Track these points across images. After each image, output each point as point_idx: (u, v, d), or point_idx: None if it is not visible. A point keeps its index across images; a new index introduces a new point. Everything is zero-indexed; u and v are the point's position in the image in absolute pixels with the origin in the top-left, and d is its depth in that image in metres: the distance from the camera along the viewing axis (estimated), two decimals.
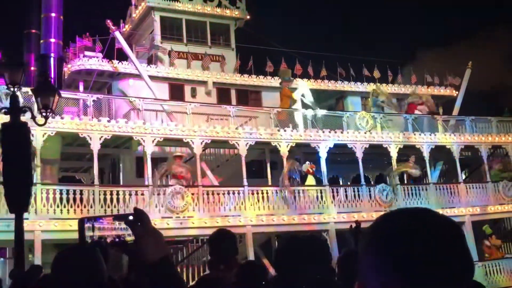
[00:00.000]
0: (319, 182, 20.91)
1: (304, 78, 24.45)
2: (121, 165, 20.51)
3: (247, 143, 19.30)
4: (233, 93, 23.05)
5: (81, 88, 20.75)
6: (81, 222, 1.89)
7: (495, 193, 23.54)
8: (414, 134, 22.60)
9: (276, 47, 23.75)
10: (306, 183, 20.30)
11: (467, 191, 23.03)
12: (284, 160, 19.65)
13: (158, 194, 17.22)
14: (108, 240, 1.91)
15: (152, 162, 18.69)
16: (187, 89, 22.04)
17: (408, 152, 22.59)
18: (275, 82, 23.53)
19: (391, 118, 24.15)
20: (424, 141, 22.68)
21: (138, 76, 20.91)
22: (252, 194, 19.02)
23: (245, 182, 18.71)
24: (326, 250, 2.93)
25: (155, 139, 17.79)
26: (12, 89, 9.64)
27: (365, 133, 21.56)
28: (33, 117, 10.07)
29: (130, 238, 1.84)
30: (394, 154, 21.88)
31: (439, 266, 1.07)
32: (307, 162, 20.59)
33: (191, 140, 18.31)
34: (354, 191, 20.73)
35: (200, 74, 21.97)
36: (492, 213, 22.99)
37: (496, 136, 24.41)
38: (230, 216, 18.16)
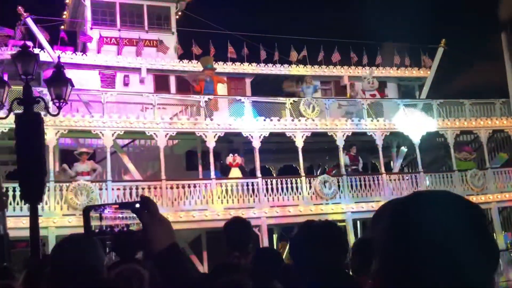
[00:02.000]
0: (252, 173, 19.43)
1: (254, 62, 22.84)
2: None
3: (167, 134, 17.97)
4: (172, 80, 21.66)
5: (5, 78, 19.77)
6: (86, 210, 1.82)
7: (462, 184, 21.45)
8: (365, 121, 20.73)
9: (221, 31, 22.19)
10: (231, 176, 18.78)
11: (428, 181, 21.05)
12: (211, 152, 18.27)
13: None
14: (116, 229, 1.83)
15: (62, 154, 17.74)
16: (120, 77, 20.80)
17: (353, 141, 20.81)
18: (220, 67, 22.02)
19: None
20: (377, 128, 20.78)
21: (71, 65, 19.82)
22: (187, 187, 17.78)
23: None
24: (342, 236, 2.87)
25: (58, 131, 16.69)
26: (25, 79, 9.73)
27: (306, 120, 19.83)
28: (46, 108, 10.20)
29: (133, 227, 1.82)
30: (340, 142, 20.10)
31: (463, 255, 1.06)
32: (230, 154, 19.08)
33: (100, 132, 17.13)
34: (291, 183, 19.11)
35: (132, 61, 20.67)
36: None
37: (465, 120, 22.23)
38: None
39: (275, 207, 18.54)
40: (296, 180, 19.18)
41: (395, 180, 20.98)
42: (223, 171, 19.29)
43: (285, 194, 18.90)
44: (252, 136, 18.88)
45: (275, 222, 18.79)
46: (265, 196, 18.61)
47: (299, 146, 19.47)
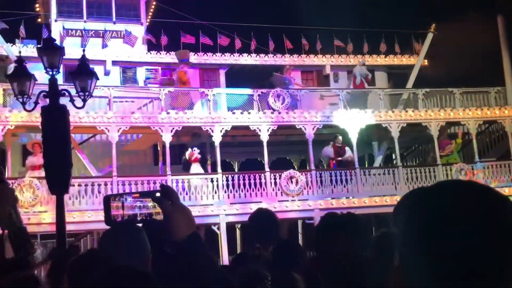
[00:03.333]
0: (213, 169, 18.66)
1: (227, 52, 21.94)
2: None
3: (120, 128, 17.34)
4: (141, 72, 21.01)
5: None
6: (107, 199, 1.82)
7: (447, 179, 20.04)
8: (337, 112, 19.56)
9: (193, 20, 21.38)
10: (192, 172, 18.02)
11: (407, 176, 19.76)
12: (167, 147, 17.55)
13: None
14: (139, 218, 1.82)
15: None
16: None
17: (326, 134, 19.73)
18: (192, 58, 21.23)
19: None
20: (351, 120, 19.60)
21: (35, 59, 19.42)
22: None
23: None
24: (367, 229, 2.63)
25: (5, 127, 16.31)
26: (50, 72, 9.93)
27: (272, 113, 18.84)
28: (72, 100, 10.18)
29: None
30: (309, 136, 19.04)
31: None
32: (189, 149, 18.29)
33: None
34: (255, 179, 18.21)
35: (97, 53, 20.07)
36: None
37: (450, 111, 20.75)
38: None
39: (235, 204, 17.71)
40: (260, 176, 18.30)
41: (374, 175, 19.82)
42: (185, 167, 18.56)
43: (247, 191, 18.05)
44: (212, 130, 18.08)
45: (235, 219, 17.94)
46: (225, 192, 17.81)
47: (264, 140, 18.55)
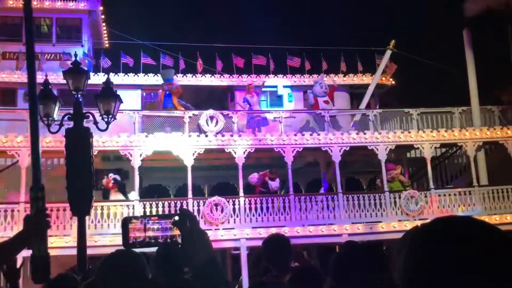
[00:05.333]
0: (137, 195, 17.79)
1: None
2: None
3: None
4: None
5: None
6: (125, 221, 1.84)
7: (395, 207, 18.49)
8: (271, 135, 18.41)
9: (133, 41, 20.81)
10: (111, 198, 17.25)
11: (347, 203, 18.31)
12: None
13: None
14: (161, 240, 1.85)
15: None
16: (20, 93, 20.00)
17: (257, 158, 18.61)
18: (130, 79, 20.68)
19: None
20: (286, 143, 18.39)
21: None
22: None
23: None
24: (385, 259, 2.79)
25: None
26: (75, 95, 10.12)
27: (198, 135, 17.89)
28: (95, 123, 10.34)
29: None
30: (240, 160, 17.96)
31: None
32: (106, 176, 17.51)
33: None
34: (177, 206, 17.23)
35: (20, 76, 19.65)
36: (383, 232, 17.95)
37: (401, 133, 19.18)
38: None
39: None
40: (182, 203, 17.33)
41: (316, 202, 18.48)
42: (104, 194, 17.74)
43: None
44: (131, 155, 17.29)
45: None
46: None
47: (188, 165, 17.61)
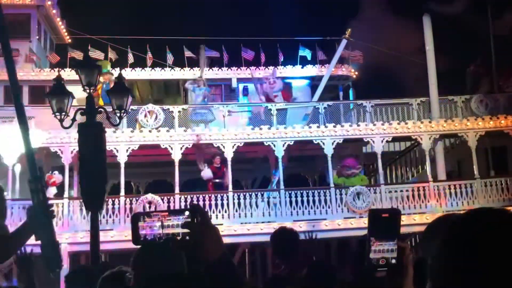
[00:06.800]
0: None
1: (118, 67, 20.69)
2: None
3: None
4: (25, 91, 20.22)
5: None
6: (135, 217, 1.75)
7: (338, 204, 17.69)
8: (210, 130, 17.80)
9: (81, 35, 20.40)
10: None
11: (290, 200, 17.59)
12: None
13: None
14: (177, 237, 1.73)
15: None
16: None
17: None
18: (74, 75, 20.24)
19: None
20: (226, 139, 17.74)
21: None
22: None
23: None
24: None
25: None
26: (87, 90, 10.01)
27: (132, 131, 17.38)
28: (108, 118, 10.35)
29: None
30: (176, 156, 17.40)
31: None
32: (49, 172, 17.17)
33: None
34: (113, 204, 16.80)
35: None
36: (326, 230, 17.15)
37: (349, 126, 18.30)
38: None
39: (80, 231, 16.38)
40: (113, 201, 16.89)
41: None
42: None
43: (103, 216, 16.65)
44: (62, 152, 16.90)
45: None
46: (85, 218, 16.53)
47: (122, 161, 17.14)
